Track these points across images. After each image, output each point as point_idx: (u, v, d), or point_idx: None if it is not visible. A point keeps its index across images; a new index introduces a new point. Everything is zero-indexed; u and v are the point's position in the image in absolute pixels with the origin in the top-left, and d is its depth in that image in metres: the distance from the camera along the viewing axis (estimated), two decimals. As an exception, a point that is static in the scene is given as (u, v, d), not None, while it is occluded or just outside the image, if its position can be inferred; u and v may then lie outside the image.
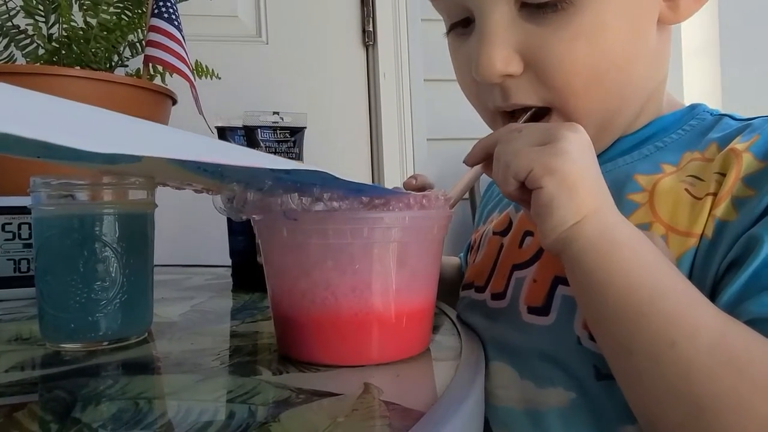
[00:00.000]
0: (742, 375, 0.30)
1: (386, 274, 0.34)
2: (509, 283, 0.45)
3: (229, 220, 0.72)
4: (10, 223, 0.62)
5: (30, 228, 0.63)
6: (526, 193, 0.35)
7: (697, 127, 0.44)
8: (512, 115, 0.44)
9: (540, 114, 0.43)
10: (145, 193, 0.43)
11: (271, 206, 0.35)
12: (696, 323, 0.32)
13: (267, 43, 1.16)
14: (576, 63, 0.40)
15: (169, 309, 0.55)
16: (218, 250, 0.79)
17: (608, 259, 0.34)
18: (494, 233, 0.50)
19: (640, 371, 0.33)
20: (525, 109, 0.43)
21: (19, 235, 0.63)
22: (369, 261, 0.34)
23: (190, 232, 1.03)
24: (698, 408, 0.30)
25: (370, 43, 1.18)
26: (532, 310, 0.43)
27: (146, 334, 0.43)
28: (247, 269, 0.70)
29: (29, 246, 0.63)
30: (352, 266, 0.34)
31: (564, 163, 0.33)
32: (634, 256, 0.34)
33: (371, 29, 1.17)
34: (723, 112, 0.45)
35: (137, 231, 0.42)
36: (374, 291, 0.34)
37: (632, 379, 0.34)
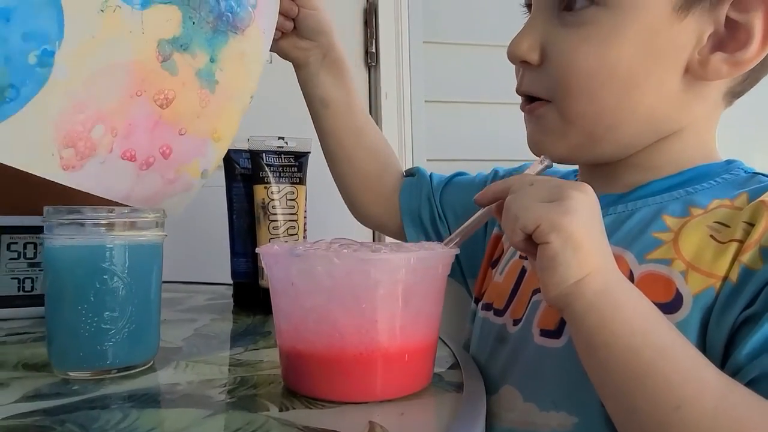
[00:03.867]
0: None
1: (391, 313, 0.35)
2: (527, 308, 0.47)
3: (231, 240, 0.73)
4: (15, 243, 0.63)
5: (35, 247, 0.64)
6: (532, 245, 0.37)
7: (729, 180, 0.44)
8: (527, 101, 0.49)
9: (536, 101, 0.48)
10: (155, 223, 0.44)
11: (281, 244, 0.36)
12: (700, 386, 0.32)
13: (270, 62, 1.17)
14: (578, 62, 0.43)
15: (173, 332, 0.55)
16: (219, 267, 0.79)
17: (611, 319, 0.35)
18: (520, 257, 0.52)
19: (642, 425, 0.33)
20: (529, 99, 0.48)
21: (24, 254, 0.63)
22: (374, 301, 0.35)
23: (193, 249, 1.04)
24: None
25: (373, 63, 1.19)
26: (544, 333, 0.44)
27: (152, 362, 0.44)
28: (248, 291, 0.70)
29: (34, 265, 0.64)
30: (358, 306, 0.35)
31: (571, 221, 0.35)
32: (637, 316, 0.35)
33: (374, 50, 1.18)
34: (758, 170, 0.46)
35: (147, 262, 0.43)
36: (379, 330, 0.35)
37: (633, 427, 0.34)
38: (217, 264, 0.83)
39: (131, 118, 0.46)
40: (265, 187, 0.67)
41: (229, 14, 0.52)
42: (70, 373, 0.40)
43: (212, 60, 0.53)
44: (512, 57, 0.48)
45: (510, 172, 0.68)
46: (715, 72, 0.42)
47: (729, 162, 0.47)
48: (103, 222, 0.41)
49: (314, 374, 0.36)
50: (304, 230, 0.70)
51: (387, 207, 0.71)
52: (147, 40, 0.46)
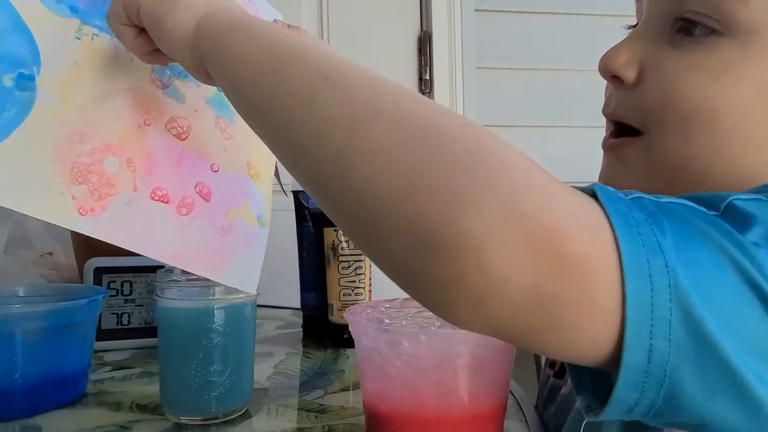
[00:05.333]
0: (402, 92, 0.29)
1: (468, 380, 0.39)
2: None
3: (301, 275, 0.79)
4: (114, 281, 0.70)
5: (130, 285, 0.71)
6: (147, 41, 0.40)
7: None
8: (613, 132, 0.42)
9: (623, 138, 0.41)
10: (250, 284, 0.49)
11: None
12: (349, 65, 0.30)
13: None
14: (682, 90, 0.37)
15: (256, 368, 0.61)
16: (288, 290, 0.85)
17: (244, 37, 0.34)
18: None
19: (291, 110, 0.30)
20: (615, 128, 0.42)
21: (122, 291, 0.71)
22: (454, 371, 0.39)
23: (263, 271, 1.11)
24: (355, 121, 0.27)
25: (427, 90, 1.23)
26: None
27: (246, 407, 0.49)
28: (318, 323, 0.76)
29: (129, 301, 0.71)
30: (439, 375, 0.39)
31: None
32: (272, 29, 0.34)
33: (428, 77, 1.23)
34: None
35: (244, 320, 0.48)
36: (456, 397, 0.39)
37: (284, 125, 0.30)
38: (282, 281, 0.89)
39: (148, 151, 0.44)
40: (335, 230, 0.72)
41: None
42: (182, 419, 0.46)
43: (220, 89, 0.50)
44: (604, 70, 0.41)
45: None
46: None
47: None
48: (208, 285, 0.47)
49: (396, 427, 0.41)
50: (370, 269, 0.75)
51: None
52: (138, 67, 0.45)
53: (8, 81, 0.38)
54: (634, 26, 0.42)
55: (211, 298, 0.46)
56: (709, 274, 0.24)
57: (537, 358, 0.89)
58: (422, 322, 0.42)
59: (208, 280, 0.47)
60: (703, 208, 0.27)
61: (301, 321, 0.80)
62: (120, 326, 0.70)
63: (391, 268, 0.26)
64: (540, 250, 0.23)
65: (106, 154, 0.41)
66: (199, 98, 0.49)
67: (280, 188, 0.63)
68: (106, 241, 0.40)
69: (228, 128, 0.50)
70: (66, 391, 0.51)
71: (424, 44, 1.23)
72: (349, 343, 0.72)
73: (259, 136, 0.33)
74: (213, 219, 0.47)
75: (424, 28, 1.24)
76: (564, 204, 0.24)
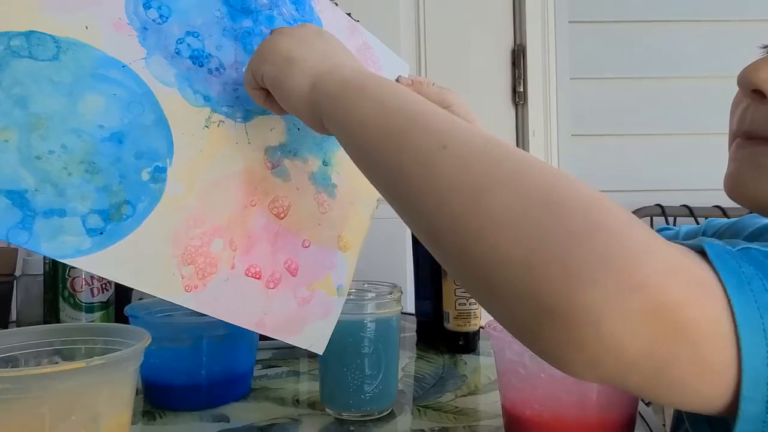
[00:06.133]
0: (517, 157, 0.30)
1: (604, 392, 0.45)
2: None
3: (416, 283, 0.86)
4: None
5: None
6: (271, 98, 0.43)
7: None
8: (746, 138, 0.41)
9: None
10: (394, 302, 0.56)
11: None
12: (466, 131, 0.32)
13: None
14: None
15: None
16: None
17: (359, 100, 0.36)
18: None
19: (411, 176, 0.31)
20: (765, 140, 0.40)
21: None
22: (592, 385, 0.44)
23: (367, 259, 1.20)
24: (477, 191, 0.28)
25: (521, 102, 1.27)
26: None
27: (391, 407, 0.57)
28: (431, 330, 0.82)
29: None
30: (579, 387, 0.44)
31: (267, 51, 0.41)
32: (383, 91, 0.36)
33: (522, 90, 1.26)
34: None
35: (392, 330, 0.55)
36: (593, 405, 0.44)
37: (406, 189, 0.32)
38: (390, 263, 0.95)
39: (249, 231, 0.46)
40: (450, 245, 0.78)
41: None
42: (343, 414, 0.54)
43: (325, 163, 0.53)
44: (745, 83, 0.39)
45: (725, 225, 0.59)
46: None
47: None
48: (362, 301, 0.54)
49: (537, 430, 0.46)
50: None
51: None
52: (254, 148, 0.47)
53: (146, 175, 0.41)
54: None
55: (367, 311, 0.54)
56: None
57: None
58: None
59: (362, 296, 0.55)
60: None
61: (410, 325, 0.87)
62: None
63: (509, 325, 0.28)
64: (656, 319, 0.24)
65: (214, 236, 0.44)
66: (304, 175, 0.51)
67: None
68: (201, 311, 0.43)
69: (326, 202, 0.53)
70: (240, 387, 0.60)
71: (518, 57, 1.27)
72: (464, 349, 0.78)
73: (375, 188, 0.36)
74: (296, 291, 0.50)
75: (518, 41, 1.27)
76: (677, 271, 0.25)
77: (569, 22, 1.28)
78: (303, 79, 0.40)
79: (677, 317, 0.24)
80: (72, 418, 0.38)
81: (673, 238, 0.65)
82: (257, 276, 0.46)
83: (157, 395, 0.57)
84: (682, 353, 0.24)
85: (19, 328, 0.45)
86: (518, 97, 1.27)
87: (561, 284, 0.24)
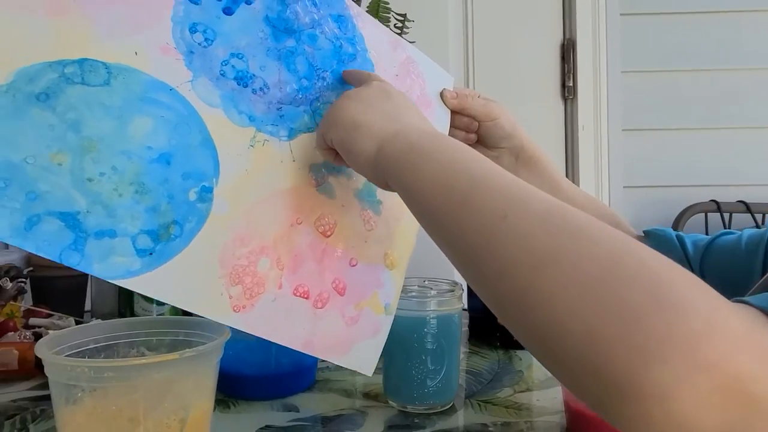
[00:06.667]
0: (577, 227, 0.29)
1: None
2: None
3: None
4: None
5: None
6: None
7: None
8: None
9: None
10: (455, 299, 0.57)
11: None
12: (525, 194, 0.32)
13: (472, 98, 1.29)
14: None
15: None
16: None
17: (423, 163, 0.37)
18: None
19: (473, 246, 0.32)
20: None
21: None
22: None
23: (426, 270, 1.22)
24: (534, 266, 0.29)
25: (570, 96, 1.26)
26: None
27: (453, 401, 0.58)
28: (483, 325, 0.84)
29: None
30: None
31: (335, 116, 0.43)
32: (446, 155, 0.37)
33: (571, 84, 1.25)
34: None
35: (453, 327, 0.57)
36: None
37: (467, 257, 0.33)
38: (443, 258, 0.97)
39: (296, 249, 0.46)
40: (505, 242, 0.79)
41: None
42: (407, 406, 0.56)
43: None
44: None
45: None
46: None
47: None
48: (425, 297, 0.56)
49: (600, 428, 0.47)
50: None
51: None
52: (299, 166, 0.48)
53: (193, 195, 0.41)
54: None
55: (430, 308, 0.56)
56: None
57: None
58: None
59: (424, 293, 0.56)
60: None
61: (462, 320, 0.88)
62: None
63: (575, 392, 0.28)
64: (727, 395, 0.24)
65: (260, 255, 0.44)
66: (349, 192, 0.51)
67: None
68: (249, 332, 0.44)
69: (372, 219, 0.53)
70: (306, 378, 0.63)
71: (568, 51, 1.26)
72: (519, 344, 0.79)
73: (437, 244, 0.36)
74: (344, 311, 0.50)
75: (568, 36, 1.26)
76: (745, 344, 0.25)
77: (621, 14, 1.26)
78: (369, 142, 0.42)
79: (750, 391, 0.24)
80: (165, 405, 0.41)
81: (736, 243, 0.63)
82: (305, 296, 0.47)
83: (229, 385, 0.61)
84: (760, 425, 0.24)
85: (116, 319, 0.48)
86: (568, 91, 1.26)
87: (625, 362, 0.24)
